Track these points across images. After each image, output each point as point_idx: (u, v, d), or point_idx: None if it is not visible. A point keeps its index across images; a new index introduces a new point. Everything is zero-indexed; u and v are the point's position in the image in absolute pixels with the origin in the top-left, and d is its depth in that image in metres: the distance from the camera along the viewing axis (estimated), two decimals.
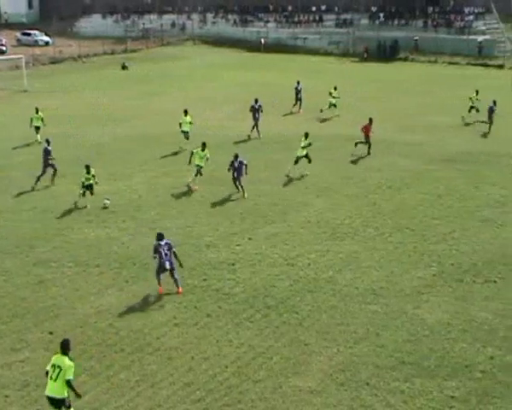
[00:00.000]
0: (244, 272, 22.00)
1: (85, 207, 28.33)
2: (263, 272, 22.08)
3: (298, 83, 47.96)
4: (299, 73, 63.34)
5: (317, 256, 23.27)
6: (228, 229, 25.75)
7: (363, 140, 35.72)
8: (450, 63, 72.31)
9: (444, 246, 23.99)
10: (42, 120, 39.69)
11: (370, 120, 35.75)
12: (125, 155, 36.97)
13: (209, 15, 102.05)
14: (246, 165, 29.21)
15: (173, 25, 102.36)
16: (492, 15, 78.52)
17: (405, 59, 76.54)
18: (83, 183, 28.46)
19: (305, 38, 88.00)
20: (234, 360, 17.18)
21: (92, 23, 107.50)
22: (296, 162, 31.90)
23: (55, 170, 31.82)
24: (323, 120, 45.32)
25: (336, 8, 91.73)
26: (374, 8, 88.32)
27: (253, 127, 39.82)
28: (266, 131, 40.07)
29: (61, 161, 34.32)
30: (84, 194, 28.50)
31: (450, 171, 33.02)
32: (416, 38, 77.93)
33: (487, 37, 75.11)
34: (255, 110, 39.86)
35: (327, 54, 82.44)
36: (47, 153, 31.74)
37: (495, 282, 21.13)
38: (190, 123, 37.82)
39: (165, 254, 20.09)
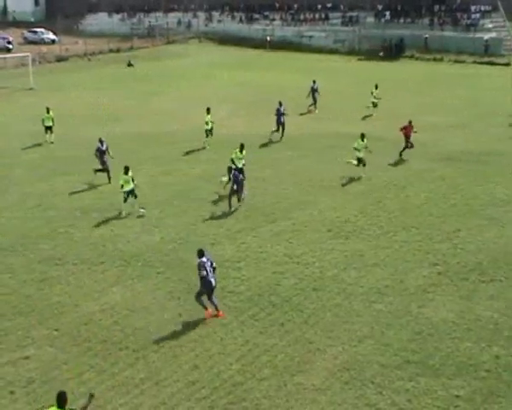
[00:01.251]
0: (249, 270, 22.01)
1: (129, 214, 27.16)
2: (267, 270, 22.09)
3: (314, 82, 47.40)
4: (305, 72, 63.40)
5: (322, 254, 23.26)
6: (232, 227, 25.74)
7: (405, 144, 34.63)
8: (456, 61, 72.11)
9: (449, 245, 23.96)
10: (53, 120, 39.06)
11: (410, 121, 34.79)
12: (128, 153, 36.93)
13: (215, 13, 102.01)
14: (243, 179, 28.10)
15: (179, 23, 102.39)
16: (499, 13, 78.25)
17: (411, 57, 76.32)
18: (122, 186, 27.14)
19: (310, 36, 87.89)
20: (238, 358, 17.19)
21: (98, 21, 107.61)
22: (363, 165, 31.39)
23: (108, 170, 31.11)
24: (327, 119, 45.23)
25: (342, 6, 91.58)
26: (380, 7, 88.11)
27: (276, 131, 38.82)
28: (269, 131, 40.07)
29: (64, 159, 34.49)
30: (125, 200, 27.15)
31: (454, 170, 32.97)
32: (425, 35, 77.62)
33: (494, 35, 74.88)
34: (280, 114, 38.81)
35: (332, 52, 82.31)
36: (102, 152, 31.25)
37: (500, 281, 21.09)
38: (212, 122, 37.77)
39: (211, 271, 18.86)
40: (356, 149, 31.56)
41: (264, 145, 38.03)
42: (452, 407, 15.20)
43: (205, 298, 18.94)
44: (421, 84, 60.29)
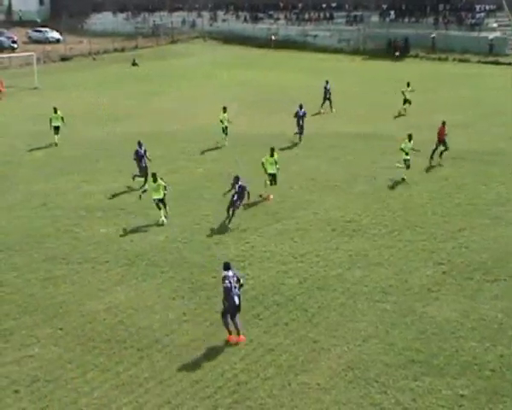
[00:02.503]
0: (253, 269, 22.01)
1: (162, 224, 26.09)
2: (272, 269, 22.09)
3: (327, 82, 46.82)
4: (310, 72, 63.42)
5: (326, 254, 23.26)
6: (237, 226, 25.74)
7: (439, 147, 33.40)
8: (461, 61, 71.97)
9: (453, 244, 23.93)
10: (62, 119, 38.43)
11: (443, 122, 33.61)
12: (133, 151, 36.95)
13: (220, 13, 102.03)
14: (248, 191, 26.26)
15: (183, 22, 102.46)
16: (504, 13, 78.09)
17: (416, 56, 76.19)
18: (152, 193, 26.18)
19: (315, 36, 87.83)
20: (243, 357, 17.19)
21: (103, 20, 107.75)
22: (408, 167, 31.06)
23: (146, 174, 29.52)
24: (332, 118, 45.20)
25: (346, 6, 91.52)
26: (384, 6, 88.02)
27: (297, 134, 38.19)
28: (277, 129, 40.06)
29: (69, 158, 34.51)
30: (158, 207, 26.24)
31: (458, 169, 32.91)
32: (432, 35, 77.43)
33: (498, 34, 74.71)
34: (299, 117, 37.97)
35: (337, 51, 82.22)
36: (141, 156, 30.05)
37: (504, 280, 21.06)
38: (226, 120, 37.78)
39: (235, 287, 17.56)
40: (403, 150, 31.03)
41: (269, 144, 37.93)
42: (457, 407, 15.19)
43: (229, 319, 17.71)
44: (425, 83, 60.13)
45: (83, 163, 34.60)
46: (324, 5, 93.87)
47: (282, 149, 36.74)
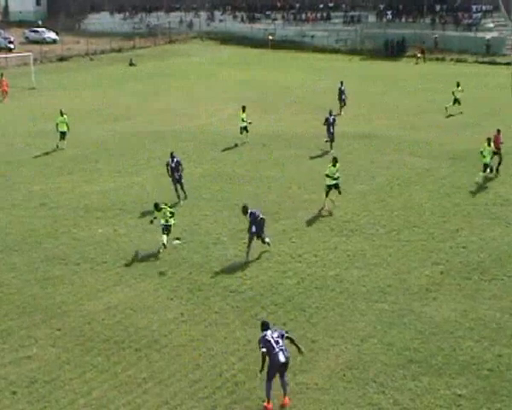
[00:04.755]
0: (251, 270, 21.99)
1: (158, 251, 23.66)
2: (270, 269, 22.08)
3: (341, 83, 46.47)
4: (307, 71, 63.45)
5: (325, 253, 23.25)
6: (235, 226, 25.71)
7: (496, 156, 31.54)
8: (458, 61, 72.06)
9: (451, 244, 23.93)
10: (67, 125, 37.40)
11: (498, 130, 31.84)
12: (131, 152, 37.01)
13: (217, 13, 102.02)
14: (264, 218, 23.21)
15: (181, 22, 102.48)
16: (500, 13, 78.22)
17: (413, 56, 76.23)
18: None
19: (312, 36, 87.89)
20: (241, 358, 17.20)
21: (100, 20, 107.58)
22: (491, 170, 30.65)
23: (182, 185, 28.70)
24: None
25: (344, 6, 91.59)
26: (381, 6, 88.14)
27: (328, 141, 36.90)
28: (274, 130, 40.05)
29: (68, 158, 34.47)
30: (163, 232, 23.74)
31: (457, 169, 32.91)
32: (435, 35, 77.45)
33: (495, 34, 74.79)
34: (329, 124, 36.79)
35: (334, 51, 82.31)
36: (172, 168, 28.36)
37: (503, 280, 21.06)
38: (248, 121, 37.81)
39: (277, 343, 15.05)
40: (483, 154, 30.30)
41: (268, 144, 37.99)
42: (455, 406, 15.19)
43: (269, 384, 15.17)
44: (422, 83, 60.22)
45: (82, 163, 34.60)
46: (322, 5, 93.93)
47: (283, 149, 36.79)
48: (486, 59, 71.17)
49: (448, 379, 16.12)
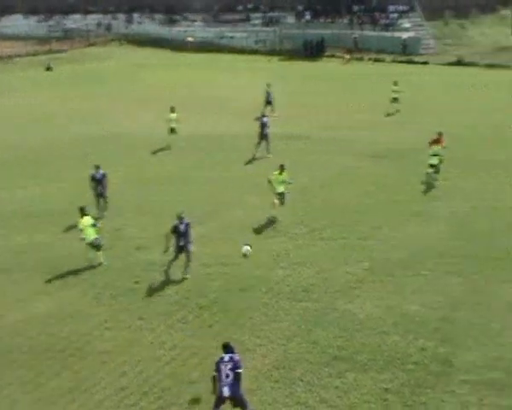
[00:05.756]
0: (176, 273, 21.79)
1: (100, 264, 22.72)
2: (195, 272, 21.94)
3: (268, 85, 46.21)
4: (227, 72, 63.38)
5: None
6: (158, 230, 25.43)
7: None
8: (376, 60, 73.17)
9: (374, 241, 24.26)
10: None
11: (440, 133, 31.18)
12: (50, 158, 36.30)
13: (135, 15, 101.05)
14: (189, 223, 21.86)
15: (99, 25, 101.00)
16: (416, 13, 79.89)
17: (332, 56, 77.09)
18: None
19: (231, 37, 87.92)
20: (168, 362, 17.04)
21: (14, 23, 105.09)
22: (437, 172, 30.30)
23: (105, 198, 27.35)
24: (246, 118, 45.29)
25: (262, 7, 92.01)
26: (300, 7, 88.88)
27: (259, 142, 35.63)
28: (201, 131, 39.87)
29: None
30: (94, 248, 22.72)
31: (380, 167, 33.31)
32: (354, 35, 78.48)
33: (411, 34, 76.30)
34: (263, 125, 35.48)
35: (254, 52, 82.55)
36: (96, 181, 27.04)
37: (424, 275, 21.47)
38: (174, 120, 37.54)
39: (227, 376, 14.25)
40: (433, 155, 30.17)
41: (197, 145, 37.80)
42: (381, 401, 15.41)
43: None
44: (342, 83, 60.86)
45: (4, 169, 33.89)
46: (241, 7, 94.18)
47: (213, 152, 36.66)
48: (403, 58, 72.46)
49: (374, 374, 16.34)
